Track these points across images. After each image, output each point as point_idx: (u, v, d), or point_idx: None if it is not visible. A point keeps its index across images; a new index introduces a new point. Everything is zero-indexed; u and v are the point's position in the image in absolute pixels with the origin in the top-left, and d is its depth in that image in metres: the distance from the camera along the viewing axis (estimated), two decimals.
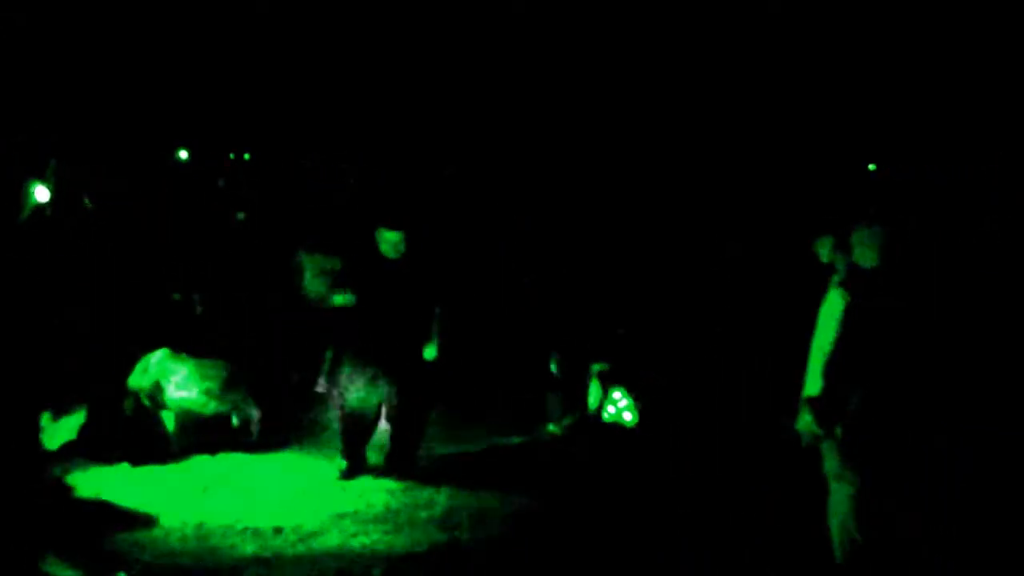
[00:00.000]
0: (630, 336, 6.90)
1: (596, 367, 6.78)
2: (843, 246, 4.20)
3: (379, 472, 5.75)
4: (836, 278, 4.04)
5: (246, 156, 11.77)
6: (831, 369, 3.62)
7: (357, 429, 5.80)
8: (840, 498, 3.78)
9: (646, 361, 6.83)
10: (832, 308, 3.64)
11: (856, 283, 3.73)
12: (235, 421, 6.24)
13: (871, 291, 3.68)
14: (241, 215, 9.43)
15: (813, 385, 3.68)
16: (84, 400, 5.60)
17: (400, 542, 4.81)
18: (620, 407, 6.66)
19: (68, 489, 5.05)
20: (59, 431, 5.54)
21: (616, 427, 6.66)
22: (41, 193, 6.80)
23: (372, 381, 5.71)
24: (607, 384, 6.74)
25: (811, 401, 3.67)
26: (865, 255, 3.75)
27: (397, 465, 5.78)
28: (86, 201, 7.84)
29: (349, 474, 5.70)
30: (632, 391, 6.63)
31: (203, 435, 6.14)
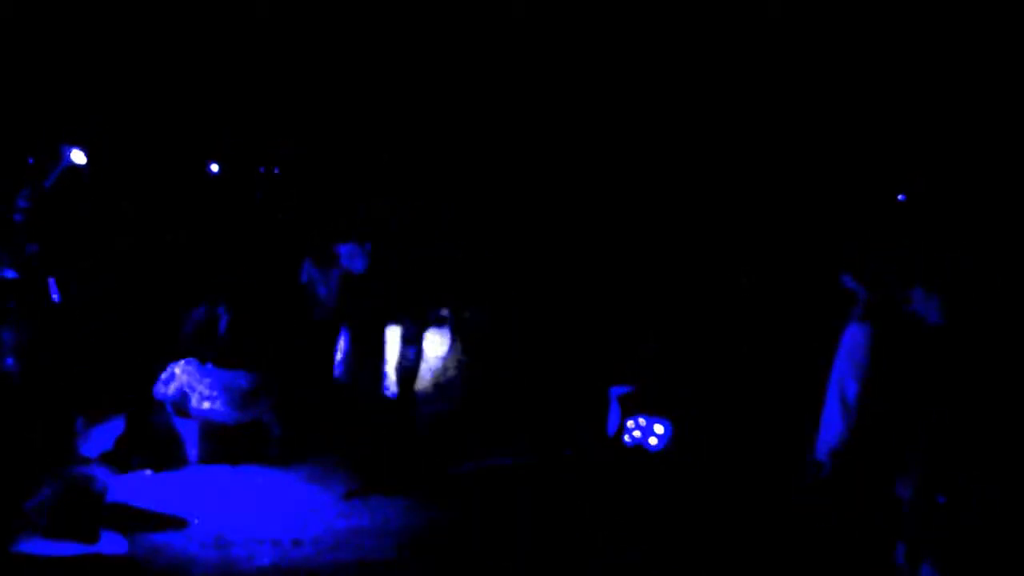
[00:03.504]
0: (660, 354, 6.85)
1: (617, 391, 6.78)
2: (866, 276, 4.17)
3: (394, 489, 5.78)
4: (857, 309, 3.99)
5: (275, 170, 11.89)
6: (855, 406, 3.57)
7: (370, 442, 5.80)
8: None
9: (671, 384, 6.79)
10: (856, 341, 3.63)
11: (883, 315, 3.68)
12: (258, 432, 6.30)
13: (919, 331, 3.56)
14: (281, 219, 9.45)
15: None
16: (120, 410, 5.68)
17: (416, 559, 4.83)
18: (642, 431, 6.63)
19: (100, 494, 5.11)
20: (93, 439, 5.62)
21: (639, 452, 6.62)
22: (78, 156, 6.58)
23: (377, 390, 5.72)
24: (628, 408, 6.72)
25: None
26: (930, 310, 3.60)
27: (412, 481, 5.79)
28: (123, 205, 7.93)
29: (366, 489, 5.72)
30: (655, 415, 6.59)
31: (226, 445, 6.19)
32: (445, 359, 6.97)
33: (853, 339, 3.66)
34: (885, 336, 3.63)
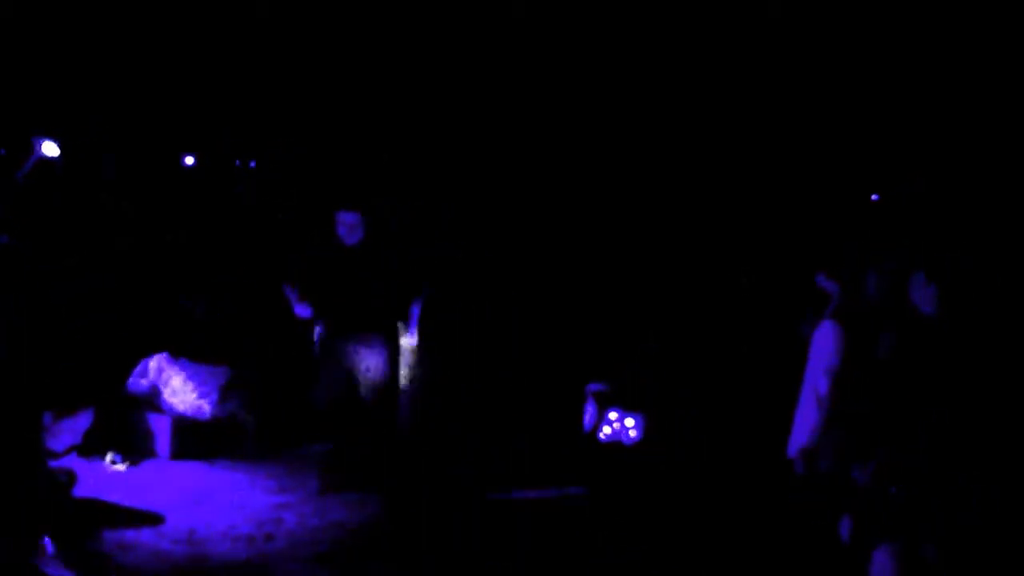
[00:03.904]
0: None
1: (592, 387, 6.80)
2: (841, 273, 4.18)
3: (369, 485, 5.74)
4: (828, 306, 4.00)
5: (251, 163, 11.79)
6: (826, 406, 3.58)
7: (339, 436, 5.75)
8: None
9: (648, 381, 6.80)
10: (827, 339, 3.65)
11: (858, 313, 3.69)
12: (232, 427, 6.27)
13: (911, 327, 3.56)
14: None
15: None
16: (88, 404, 5.63)
17: (392, 553, 4.83)
18: (617, 427, 6.65)
19: (67, 489, 5.07)
20: (62, 433, 5.58)
21: (614, 448, 6.64)
22: (50, 148, 6.50)
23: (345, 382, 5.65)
24: (603, 404, 6.74)
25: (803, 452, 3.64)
26: (924, 299, 3.59)
27: (385, 474, 5.76)
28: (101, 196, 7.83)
29: (340, 486, 5.68)
30: (631, 411, 6.61)
31: (199, 440, 6.16)
32: (419, 357, 6.93)
33: (825, 337, 3.68)
34: (858, 334, 3.65)
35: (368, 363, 5.66)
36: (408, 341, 6.01)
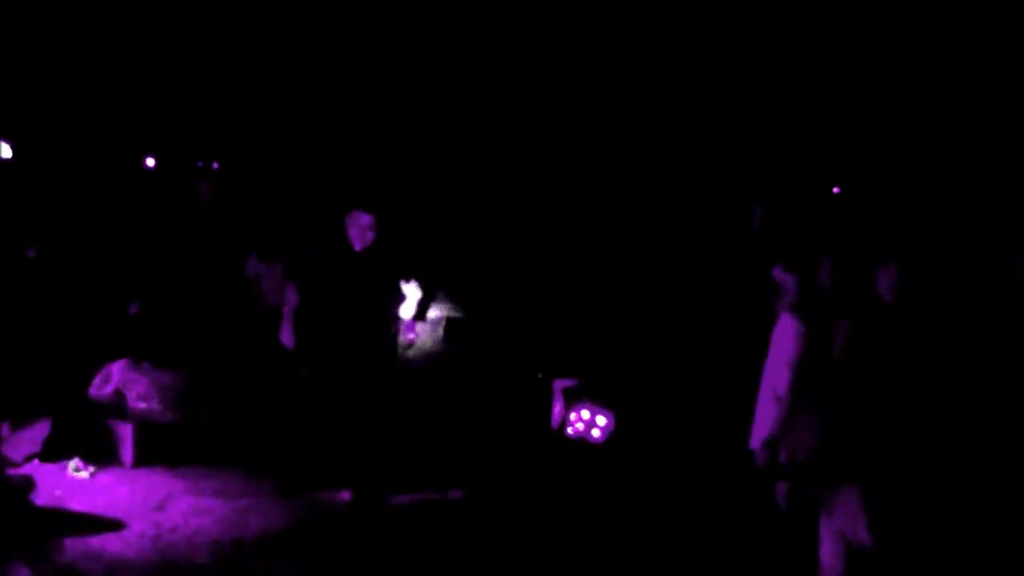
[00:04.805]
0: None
1: (560, 384, 6.81)
2: (798, 267, 4.23)
3: (341, 485, 5.72)
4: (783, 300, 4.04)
5: (213, 164, 11.70)
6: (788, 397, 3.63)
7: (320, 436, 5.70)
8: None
9: (617, 378, 6.82)
10: (785, 332, 3.69)
11: (816, 305, 3.74)
12: (196, 432, 6.21)
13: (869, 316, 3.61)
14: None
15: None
16: (47, 412, 5.55)
17: (363, 554, 4.83)
18: (586, 424, 6.67)
19: (27, 497, 5.01)
20: (21, 442, 5.50)
21: (581, 444, 6.66)
22: (3, 149, 6.41)
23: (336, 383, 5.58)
24: (571, 401, 6.75)
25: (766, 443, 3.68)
26: (886, 287, 3.64)
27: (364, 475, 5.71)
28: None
29: (307, 487, 5.64)
30: (600, 408, 6.60)
31: (163, 446, 6.10)
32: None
33: (783, 330, 3.73)
34: (814, 327, 3.70)
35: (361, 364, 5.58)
36: (405, 340, 5.97)
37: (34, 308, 6.45)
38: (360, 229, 5.49)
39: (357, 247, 5.54)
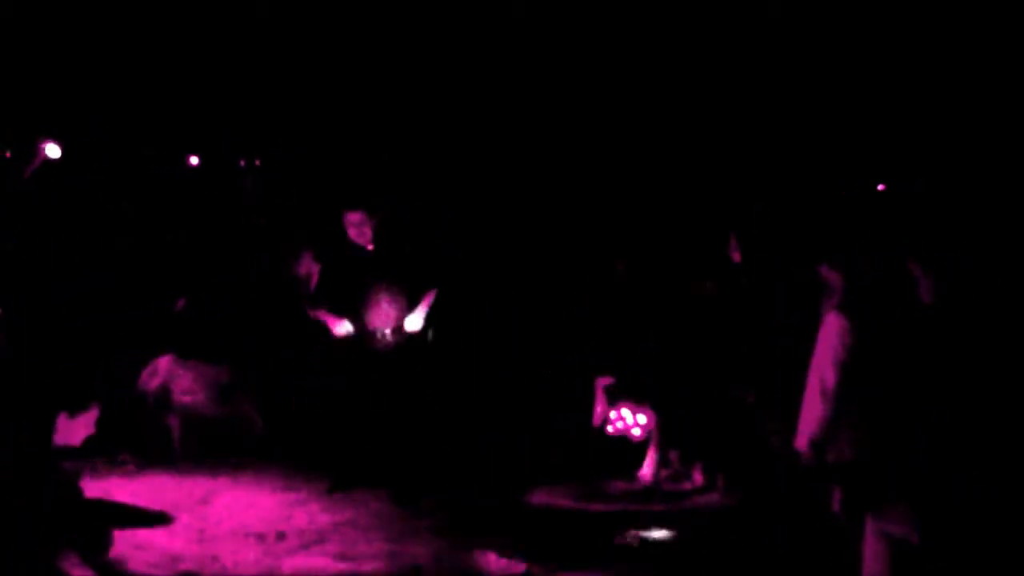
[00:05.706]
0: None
1: (602, 381, 6.77)
2: (842, 266, 4.17)
3: (376, 480, 5.70)
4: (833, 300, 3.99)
5: (256, 162, 11.82)
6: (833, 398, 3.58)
7: (347, 433, 5.73)
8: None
9: (648, 381, 6.77)
10: (832, 331, 3.64)
11: (863, 305, 3.68)
12: (240, 426, 6.29)
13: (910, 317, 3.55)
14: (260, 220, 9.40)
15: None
16: (101, 404, 5.64)
17: (400, 550, 4.84)
18: (627, 422, 6.62)
19: (76, 490, 5.10)
20: (77, 427, 5.60)
21: (622, 442, 6.62)
22: (52, 150, 6.50)
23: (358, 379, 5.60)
24: (613, 398, 6.72)
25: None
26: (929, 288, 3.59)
27: (396, 472, 5.75)
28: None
29: (345, 482, 5.65)
30: (640, 405, 6.56)
31: (208, 439, 6.19)
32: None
33: (830, 328, 3.68)
34: (863, 325, 3.65)
35: (380, 361, 5.63)
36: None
37: (78, 303, 6.57)
38: (355, 227, 5.54)
39: (369, 247, 5.58)
